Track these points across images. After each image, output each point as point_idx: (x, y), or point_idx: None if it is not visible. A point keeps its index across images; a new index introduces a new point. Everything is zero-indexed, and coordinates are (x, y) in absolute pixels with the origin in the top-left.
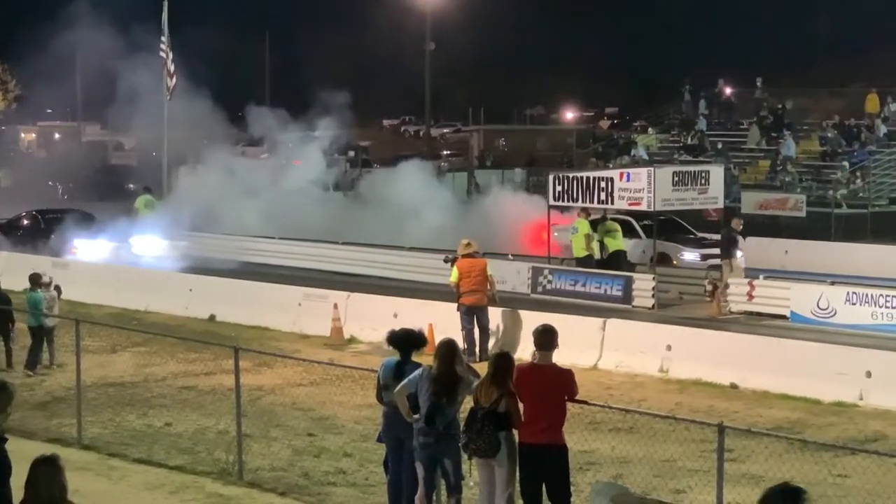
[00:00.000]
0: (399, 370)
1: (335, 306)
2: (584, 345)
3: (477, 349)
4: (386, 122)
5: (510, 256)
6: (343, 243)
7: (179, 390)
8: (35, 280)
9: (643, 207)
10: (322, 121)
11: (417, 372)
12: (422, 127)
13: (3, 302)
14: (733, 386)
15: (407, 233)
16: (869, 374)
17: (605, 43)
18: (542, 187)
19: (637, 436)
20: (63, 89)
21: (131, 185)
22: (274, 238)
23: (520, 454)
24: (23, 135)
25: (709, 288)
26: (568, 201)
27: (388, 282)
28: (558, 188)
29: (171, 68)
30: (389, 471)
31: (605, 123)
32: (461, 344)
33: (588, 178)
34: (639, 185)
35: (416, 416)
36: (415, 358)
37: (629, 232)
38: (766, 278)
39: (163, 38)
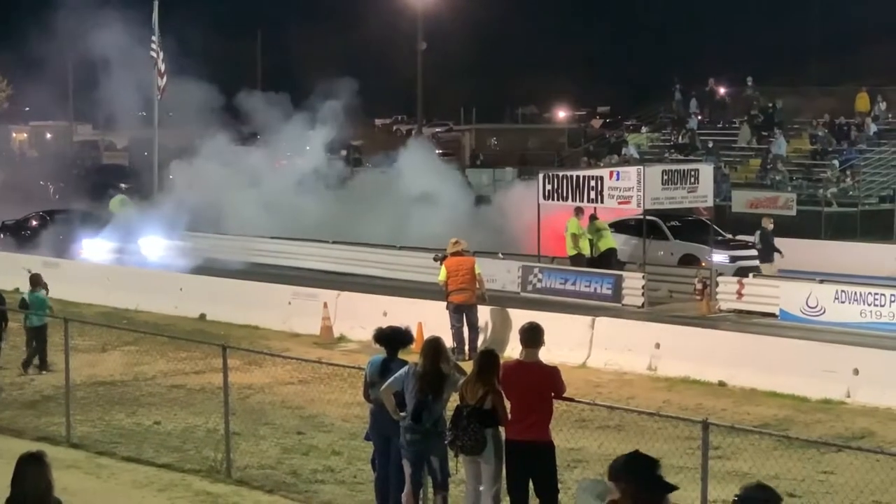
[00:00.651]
0: (385, 367)
1: (325, 305)
2: (573, 343)
3: (466, 347)
4: (378, 122)
5: (500, 255)
6: (333, 242)
7: (169, 389)
8: (36, 280)
9: (632, 206)
10: (322, 115)
11: (403, 370)
12: (414, 126)
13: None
14: (721, 384)
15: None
16: (856, 372)
17: (596, 42)
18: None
19: (625, 433)
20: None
21: (123, 185)
22: (266, 237)
23: (507, 451)
24: (14, 134)
25: (698, 286)
26: (558, 200)
27: (378, 280)
28: (548, 187)
29: (162, 67)
30: (377, 468)
31: (596, 122)
32: (450, 342)
33: (578, 176)
34: (628, 184)
35: (403, 414)
36: (401, 355)
37: (656, 233)
38: (755, 276)
39: (154, 38)
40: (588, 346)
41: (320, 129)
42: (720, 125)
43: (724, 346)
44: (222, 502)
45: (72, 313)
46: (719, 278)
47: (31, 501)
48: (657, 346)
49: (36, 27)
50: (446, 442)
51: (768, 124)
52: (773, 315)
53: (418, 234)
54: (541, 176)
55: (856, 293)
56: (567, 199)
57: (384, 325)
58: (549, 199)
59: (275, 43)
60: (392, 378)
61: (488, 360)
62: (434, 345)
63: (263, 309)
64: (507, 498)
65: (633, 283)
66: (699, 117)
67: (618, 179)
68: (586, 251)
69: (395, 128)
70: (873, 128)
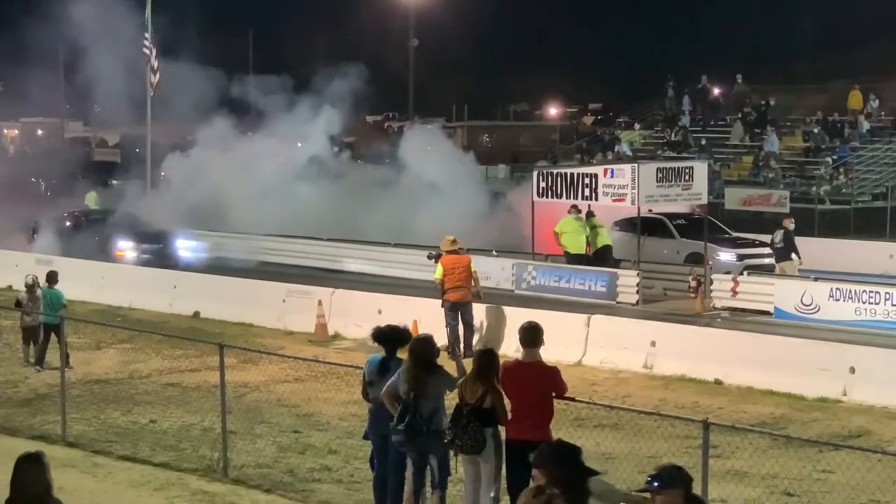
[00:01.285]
0: (384, 366)
1: (319, 303)
2: (568, 341)
3: (461, 345)
4: (369, 118)
5: (494, 252)
6: (328, 239)
7: (164, 387)
8: (51, 277)
9: (627, 204)
10: (330, 95)
11: (398, 371)
12: (406, 123)
13: None
14: (717, 382)
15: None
16: (853, 370)
17: (588, 39)
18: (526, 183)
19: (622, 432)
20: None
21: (114, 182)
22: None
23: (507, 450)
24: (5, 131)
25: (693, 284)
26: (552, 198)
27: (373, 278)
28: (542, 184)
29: (155, 64)
30: (375, 468)
31: (588, 119)
32: (445, 340)
33: (572, 174)
34: (623, 182)
35: None
36: (400, 354)
37: (662, 231)
38: (750, 274)
39: (146, 34)
40: (584, 344)
41: (327, 112)
42: (713, 124)
43: (720, 345)
44: (220, 501)
45: (66, 311)
46: (714, 276)
47: (30, 502)
48: (653, 344)
49: (26, 22)
50: (446, 441)
51: (761, 122)
52: (767, 313)
53: (437, 232)
54: (535, 173)
55: (850, 291)
56: (561, 196)
57: (380, 324)
58: (542, 196)
59: (266, 40)
60: (390, 380)
61: (488, 359)
62: (417, 345)
63: (258, 306)
64: (507, 497)
65: (628, 280)
66: (691, 113)
67: (612, 177)
68: (572, 248)
69: (386, 124)
70: (866, 125)
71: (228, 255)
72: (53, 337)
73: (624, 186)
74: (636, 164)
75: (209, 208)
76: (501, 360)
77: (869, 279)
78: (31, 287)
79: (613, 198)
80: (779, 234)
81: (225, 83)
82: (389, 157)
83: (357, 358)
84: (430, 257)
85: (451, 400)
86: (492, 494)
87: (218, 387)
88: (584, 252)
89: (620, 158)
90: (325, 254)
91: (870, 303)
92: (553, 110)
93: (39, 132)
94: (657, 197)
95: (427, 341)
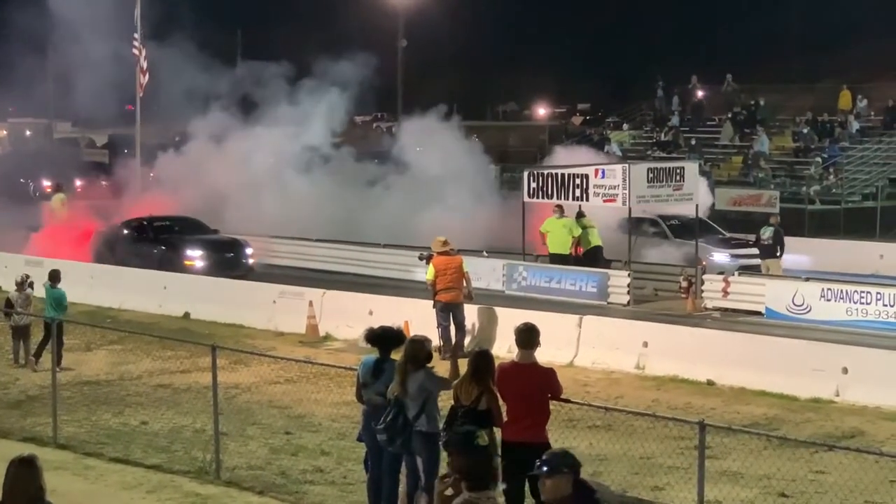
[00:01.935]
0: (378, 368)
1: (310, 303)
2: (560, 342)
3: (453, 346)
4: (358, 119)
5: (485, 253)
6: (317, 240)
7: (155, 388)
8: (54, 277)
9: (618, 204)
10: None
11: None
12: (394, 123)
13: None
14: (710, 383)
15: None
16: (845, 371)
17: (577, 39)
18: (515, 183)
19: (615, 433)
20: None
21: (104, 182)
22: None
23: (503, 452)
24: None
25: (684, 284)
26: (542, 198)
27: (364, 279)
28: (533, 184)
29: (145, 65)
30: (369, 469)
31: (577, 119)
32: (436, 341)
33: (563, 174)
34: (614, 182)
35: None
36: (393, 356)
37: (656, 232)
38: (741, 274)
39: (136, 35)
40: (575, 345)
41: (332, 97)
42: (699, 125)
43: (712, 345)
44: (212, 503)
45: (66, 313)
46: (705, 276)
47: None
48: (645, 344)
49: (14, 21)
50: (441, 443)
51: (751, 122)
52: (758, 313)
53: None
54: (525, 173)
55: (842, 291)
56: (552, 196)
57: (372, 325)
58: (533, 196)
59: (253, 40)
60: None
61: (483, 360)
62: (408, 344)
63: (248, 307)
64: (503, 499)
65: (619, 281)
66: (680, 113)
67: (603, 177)
68: (556, 249)
69: (375, 125)
70: (856, 125)
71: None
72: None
73: (615, 187)
74: (627, 165)
75: (208, 207)
76: (496, 362)
77: (860, 279)
78: (20, 285)
79: (604, 198)
80: (768, 232)
81: (220, 70)
82: (379, 158)
83: (348, 359)
84: (421, 258)
85: (445, 402)
86: None
87: (209, 388)
88: (567, 252)
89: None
90: (313, 254)
91: (861, 303)
92: (542, 110)
93: (28, 133)
94: (648, 197)
95: (418, 341)
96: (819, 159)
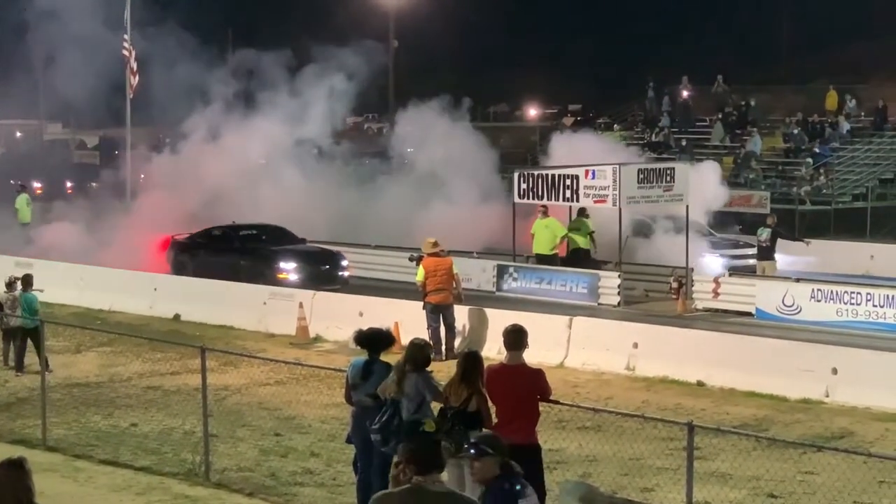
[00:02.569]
0: (367, 369)
1: (300, 305)
2: (550, 343)
3: (443, 347)
4: (348, 120)
5: (475, 254)
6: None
7: (145, 390)
8: (27, 281)
9: (608, 205)
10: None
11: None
12: (385, 124)
13: None
14: (700, 384)
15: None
16: (835, 371)
17: (567, 40)
18: (507, 184)
19: (605, 434)
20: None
21: (93, 184)
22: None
23: None
24: None
25: (674, 285)
26: (533, 199)
27: (354, 280)
28: (523, 186)
29: (135, 66)
30: (358, 471)
31: (568, 120)
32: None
33: (553, 175)
34: (604, 183)
35: None
36: (382, 357)
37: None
38: (731, 275)
39: (125, 36)
40: (566, 346)
41: (337, 85)
42: (687, 128)
43: (702, 346)
44: None
45: (45, 314)
46: (695, 277)
47: None
48: (635, 345)
49: (3, 22)
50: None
51: (741, 122)
52: (748, 314)
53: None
54: (516, 175)
55: (832, 292)
56: (542, 197)
57: (362, 326)
58: (524, 197)
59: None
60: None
61: (472, 362)
62: (410, 346)
63: (239, 309)
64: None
65: (609, 282)
66: (671, 114)
67: (593, 178)
68: (539, 250)
69: (366, 126)
70: (846, 126)
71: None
72: (30, 341)
73: (605, 188)
74: (618, 166)
75: (203, 206)
76: (486, 363)
77: (850, 280)
78: (10, 285)
79: (595, 199)
80: (765, 233)
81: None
82: (371, 157)
83: (338, 360)
84: (411, 259)
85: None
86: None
87: (199, 390)
88: (551, 253)
89: None
90: None
91: (851, 303)
92: (532, 111)
93: (18, 134)
94: (639, 198)
95: (419, 345)
96: (810, 160)
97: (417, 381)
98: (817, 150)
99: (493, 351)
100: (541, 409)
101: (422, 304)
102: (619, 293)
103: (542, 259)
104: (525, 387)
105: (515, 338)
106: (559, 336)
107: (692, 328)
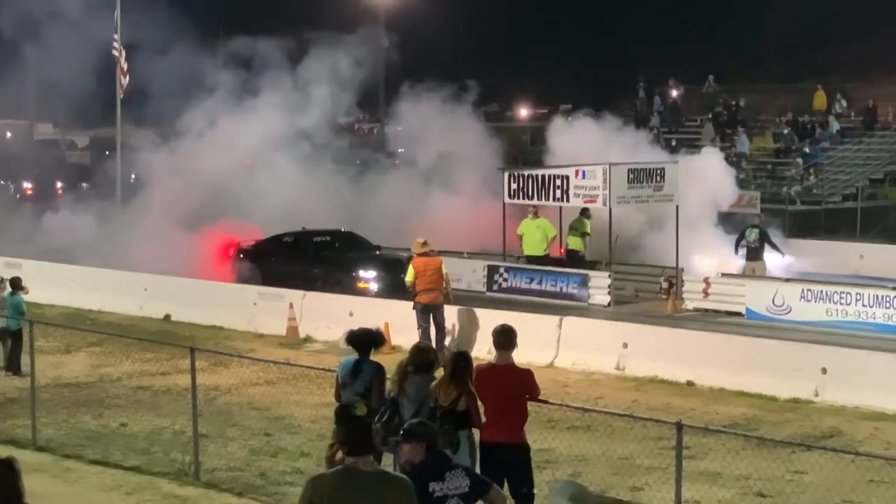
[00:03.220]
0: (357, 369)
1: (291, 305)
2: (540, 343)
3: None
4: (340, 121)
5: (465, 254)
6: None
7: (135, 390)
8: (16, 284)
9: (598, 205)
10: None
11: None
12: (376, 125)
13: None
14: (689, 383)
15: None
16: (824, 371)
17: (558, 39)
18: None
19: (594, 434)
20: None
21: (84, 185)
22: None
23: (482, 453)
24: None
25: (664, 285)
26: (523, 199)
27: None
28: (513, 186)
29: (125, 66)
30: None
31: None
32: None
33: (543, 175)
34: (594, 183)
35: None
36: (372, 357)
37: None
38: (721, 275)
39: (115, 37)
40: (555, 346)
41: (340, 74)
42: (676, 129)
43: (692, 346)
44: None
45: (35, 314)
46: (685, 277)
47: None
48: (625, 345)
49: None
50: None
51: (732, 122)
52: (739, 314)
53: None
54: (506, 175)
55: (822, 292)
56: (532, 197)
57: (352, 326)
58: (514, 198)
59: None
60: None
61: (461, 361)
62: (415, 348)
63: (229, 309)
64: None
65: (600, 282)
66: (661, 113)
67: (583, 178)
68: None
69: (357, 126)
70: (836, 126)
71: None
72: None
73: (595, 188)
74: (608, 165)
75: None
76: (475, 363)
77: (840, 280)
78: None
79: (585, 199)
80: (753, 233)
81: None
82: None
83: (328, 361)
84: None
85: None
86: None
87: (189, 390)
88: (542, 254)
89: None
90: None
91: (841, 303)
92: (523, 111)
93: (8, 134)
94: (629, 198)
95: (424, 349)
96: (800, 160)
97: (422, 383)
98: (807, 150)
99: (483, 351)
100: (530, 408)
101: (412, 304)
102: (609, 293)
103: (534, 259)
104: (514, 386)
105: (504, 338)
106: (549, 336)
107: (682, 328)
